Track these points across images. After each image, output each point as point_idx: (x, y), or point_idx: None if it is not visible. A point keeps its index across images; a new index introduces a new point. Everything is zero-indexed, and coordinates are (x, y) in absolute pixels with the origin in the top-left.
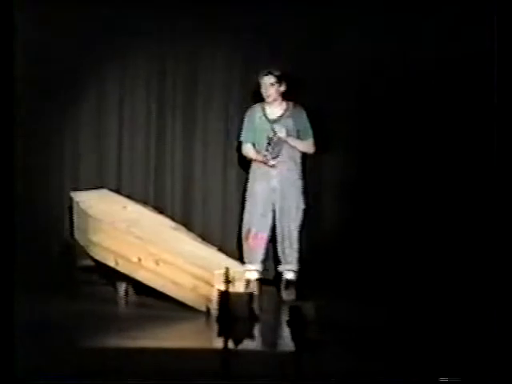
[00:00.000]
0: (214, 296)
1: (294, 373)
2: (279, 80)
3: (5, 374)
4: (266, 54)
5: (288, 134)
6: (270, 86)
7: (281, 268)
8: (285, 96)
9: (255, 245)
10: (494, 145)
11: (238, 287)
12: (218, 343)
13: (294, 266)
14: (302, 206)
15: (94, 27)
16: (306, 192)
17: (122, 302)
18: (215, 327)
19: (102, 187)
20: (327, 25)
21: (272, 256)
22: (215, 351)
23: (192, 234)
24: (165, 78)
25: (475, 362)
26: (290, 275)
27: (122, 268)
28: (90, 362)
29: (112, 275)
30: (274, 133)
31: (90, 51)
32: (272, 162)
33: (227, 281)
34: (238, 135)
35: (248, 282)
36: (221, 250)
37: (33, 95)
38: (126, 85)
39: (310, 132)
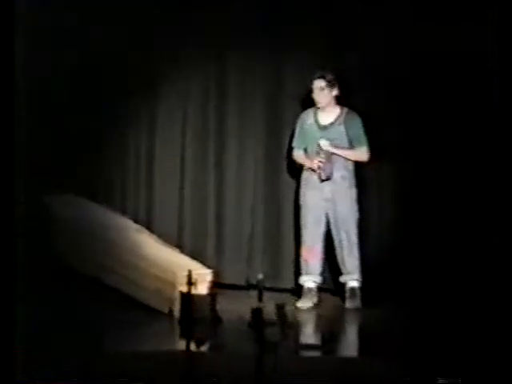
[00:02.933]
0: (177, 298)
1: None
2: (331, 84)
3: (5, 374)
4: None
5: (334, 145)
6: (320, 90)
7: (343, 278)
8: (340, 101)
9: (310, 258)
10: None
11: (201, 289)
12: (181, 345)
13: (357, 275)
14: (356, 214)
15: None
16: (360, 200)
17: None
18: (178, 329)
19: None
20: (379, 26)
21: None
22: (178, 353)
23: (154, 236)
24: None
25: (475, 362)
26: (353, 283)
27: (86, 270)
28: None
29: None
30: (319, 147)
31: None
32: (323, 178)
33: (190, 283)
34: (290, 141)
35: (211, 283)
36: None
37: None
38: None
39: (364, 140)
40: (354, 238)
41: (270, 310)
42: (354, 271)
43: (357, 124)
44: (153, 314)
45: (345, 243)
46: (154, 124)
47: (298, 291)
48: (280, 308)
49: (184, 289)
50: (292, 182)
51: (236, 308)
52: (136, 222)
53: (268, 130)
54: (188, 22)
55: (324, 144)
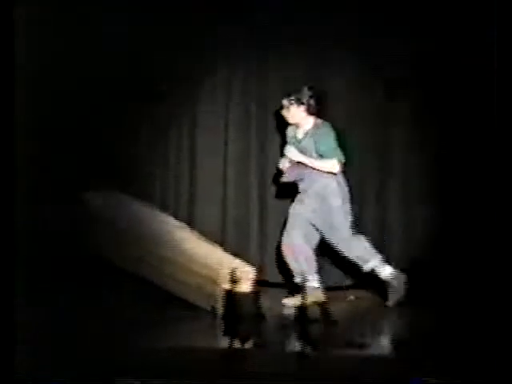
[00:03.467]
0: (220, 295)
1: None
2: (297, 102)
3: (5, 374)
4: None
5: (305, 155)
6: (286, 108)
7: (367, 267)
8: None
9: (298, 257)
10: None
11: (244, 287)
12: (224, 342)
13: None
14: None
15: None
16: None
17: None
18: (221, 326)
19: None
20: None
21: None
22: (221, 350)
23: (196, 233)
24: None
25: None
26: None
27: (128, 266)
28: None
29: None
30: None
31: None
32: (283, 180)
33: (234, 280)
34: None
35: (254, 281)
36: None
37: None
38: None
39: (331, 152)
40: (347, 235)
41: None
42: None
43: (326, 137)
44: (193, 311)
45: (344, 247)
46: (195, 119)
47: (338, 288)
48: (323, 305)
49: (227, 286)
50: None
51: (279, 306)
52: (177, 218)
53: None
54: (239, 22)
55: (288, 150)
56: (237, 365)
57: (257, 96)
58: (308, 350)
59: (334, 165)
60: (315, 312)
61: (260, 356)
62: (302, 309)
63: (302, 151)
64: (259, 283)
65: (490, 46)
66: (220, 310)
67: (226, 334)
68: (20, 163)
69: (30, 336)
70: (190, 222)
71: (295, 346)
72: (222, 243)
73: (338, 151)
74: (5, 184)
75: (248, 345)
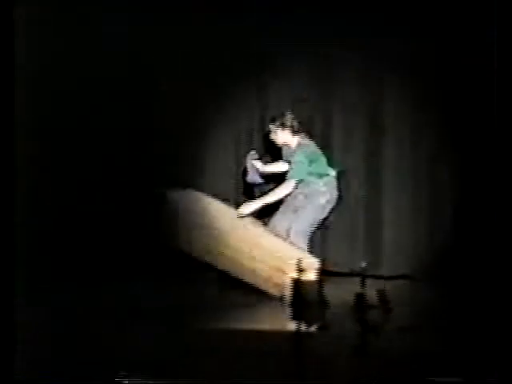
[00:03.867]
0: (288, 284)
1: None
2: (282, 126)
3: (5, 374)
4: None
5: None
6: (273, 133)
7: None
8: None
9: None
10: None
11: (310, 276)
12: (291, 326)
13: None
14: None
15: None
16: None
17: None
18: (289, 312)
19: (188, 187)
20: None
21: None
22: (289, 333)
23: (268, 228)
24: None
25: (475, 362)
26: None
27: (207, 259)
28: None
29: (200, 265)
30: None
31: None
32: (247, 181)
33: (299, 270)
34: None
35: (319, 271)
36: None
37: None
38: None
39: (294, 173)
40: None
41: (371, 294)
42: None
43: (295, 155)
44: (264, 298)
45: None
46: (265, 114)
47: (396, 278)
48: (381, 293)
49: (294, 276)
50: (392, 175)
51: (341, 293)
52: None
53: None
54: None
55: (250, 153)
56: (303, 345)
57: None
58: (367, 333)
59: (287, 186)
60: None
61: (323, 338)
62: (360, 295)
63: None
64: (323, 272)
65: (490, 47)
66: (288, 297)
67: (293, 318)
68: (20, 163)
69: (30, 336)
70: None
71: (354, 329)
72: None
73: (301, 173)
74: (5, 183)
75: (313, 328)
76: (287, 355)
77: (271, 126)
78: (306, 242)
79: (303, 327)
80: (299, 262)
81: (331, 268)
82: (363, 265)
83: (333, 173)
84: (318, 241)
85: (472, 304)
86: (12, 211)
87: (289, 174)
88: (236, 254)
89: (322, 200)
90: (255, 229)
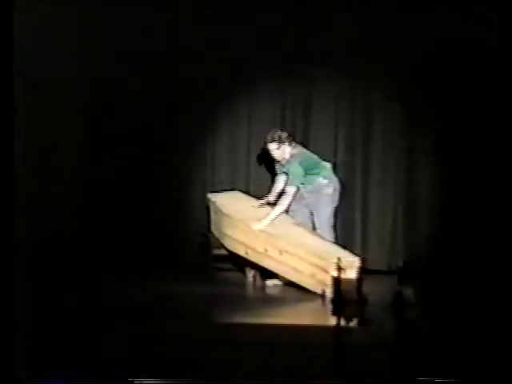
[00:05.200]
0: (329, 281)
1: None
2: (282, 142)
3: (5, 374)
4: None
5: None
6: (275, 150)
7: None
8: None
9: None
10: None
11: (350, 274)
12: (332, 321)
13: None
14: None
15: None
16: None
17: (251, 285)
18: (330, 308)
19: (233, 189)
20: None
21: None
22: (330, 328)
23: (310, 229)
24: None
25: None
26: None
27: (251, 257)
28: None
29: (242, 263)
30: None
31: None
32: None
33: (340, 268)
34: None
35: (360, 269)
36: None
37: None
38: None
39: (292, 180)
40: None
41: (409, 292)
42: None
43: (293, 171)
44: (308, 295)
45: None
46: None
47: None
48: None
49: (336, 273)
50: (424, 176)
51: (380, 291)
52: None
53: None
54: None
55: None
56: (342, 339)
57: None
58: (404, 329)
59: (287, 196)
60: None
61: (362, 333)
62: (398, 293)
63: (278, 183)
64: (363, 271)
65: (490, 50)
66: (329, 294)
67: (334, 314)
68: (20, 164)
69: (30, 336)
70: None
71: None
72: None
73: (297, 181)
74: (5, 183)
75: (352, 323)
76: (327, 349)
77: (271, 145)
78: (332, 233)
79: (343, 323)
80: (340, 260)
81: (370, 266)
82: (401, 264)
83: (328, 165)
84: (359, 240)
85: (457, 300)
86: (12, 211)
87: (287, 186)
88: (280, 253)
89: (329, 190)
90: (298, 229)
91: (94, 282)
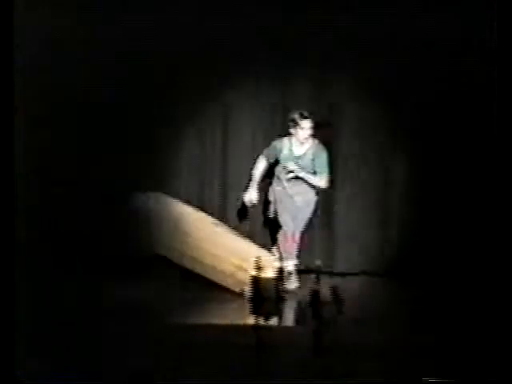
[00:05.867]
0: (249, 281)
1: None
2: (309, 120)
3: (5, 374)
4: None
5: (303, 171)
6: (307, 129)
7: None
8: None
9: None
10: None
11: (268, 273)
12: (251, 320)
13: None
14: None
15: None
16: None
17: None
18: (249, 306)
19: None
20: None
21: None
22: (248, 326)
23: (229, 228)
24: None
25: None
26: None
27: (173, 257)
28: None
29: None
30: (287, 170)
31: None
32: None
33: (258, 267)
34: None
35: (280, 269)
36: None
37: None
38: None
39: (326, 169)
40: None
41: (325, 291)
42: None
43: (323, 155)
44: (227, 294)
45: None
46: (227, 122)
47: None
48: (334, 289)
49: (254, 273)
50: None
51: (298, 289)
52: (213, 216)
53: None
54: None
55: (291, 165)
56: (260, 337)
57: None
58: (320, 326)
59: (324, 181)
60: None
61: (279, 331)
62: (314, 292)
63: (301, 166)
64: (281, 270)
65: (491, 51)
66: (248, 293)
67: (252, 313)
68: (20, 165)
69: (30, 336)
70: (223, 219)
71: (309, 323)
72: (251, 237)
73: (328, 169)
74: (5, 183)
75: (270, 322)
76: (247, 348)
77: (305, 123)
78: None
79: (261, 321)
80: (258, 259)
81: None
82: (318, 263)
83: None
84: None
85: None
86: (12, 211)
87: (321, 171)
88: (200, 253)
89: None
90: (217, 228)
91: (94, 282)
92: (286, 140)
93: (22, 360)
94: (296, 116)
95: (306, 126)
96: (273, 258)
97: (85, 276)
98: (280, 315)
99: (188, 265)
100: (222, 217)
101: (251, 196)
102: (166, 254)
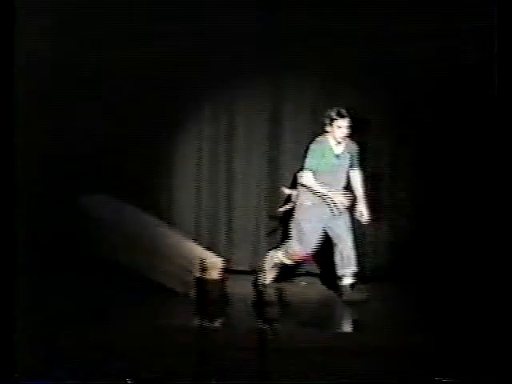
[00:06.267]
0: (193, 282)
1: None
2: (348, 118)
3: (5, 374)
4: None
5: (340, 169)
6: (345, 128)
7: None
8: None
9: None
10: None
11: (213, 274)
12: (195, 321)
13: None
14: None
15: None
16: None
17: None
18: (193, 308)
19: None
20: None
21: None
22: (192, 328)
23: (173, 230)
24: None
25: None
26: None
27: (118, 258)
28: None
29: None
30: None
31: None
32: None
33: (203, 269)
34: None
35: (222, 270)
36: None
37: None
38: None
39: (357, 163)
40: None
41: (270, 291)
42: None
43: (356, 151)
44: (172, 295)
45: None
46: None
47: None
48: (279, 290)
49: (199, 274)
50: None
51: (242, 290)
52: (159, 218)
53: (269, 134)
54: None
55: (305, 175)
56: (205, 339)
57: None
58: (266, 327)
59: (357, 174)
60: (272, 295)
61: (224, 332)
62: (259, 292)
63: (342, 165)
64: (226, 271)
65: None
66: (192, 294)
67: (197, 314)
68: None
69: (30, 336)
70: (169, 221)
71: (255, 323)
72: (196, 238)
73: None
74: (5, 184)
75: (215, 323)
76: (190, 350)
77: (342, 122)
78: None
79: (206, 323)
80: (203, 261)
81: (234, 267)
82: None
83: None
84: (223, 242)
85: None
86: (12, 211)
87: (356, 165)
88: (145, 254)
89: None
90: (163, 230)
91: (94, 282)
92: (326, 139)
93: (21, 360)
94: (333, 114)
95: (343, 125)
96: (218, 259)
97: (85, 276)
98: (224, 316)
99: (136, 267)
100: (167, 217)
101: (340, 198)
102: (107, 255)
